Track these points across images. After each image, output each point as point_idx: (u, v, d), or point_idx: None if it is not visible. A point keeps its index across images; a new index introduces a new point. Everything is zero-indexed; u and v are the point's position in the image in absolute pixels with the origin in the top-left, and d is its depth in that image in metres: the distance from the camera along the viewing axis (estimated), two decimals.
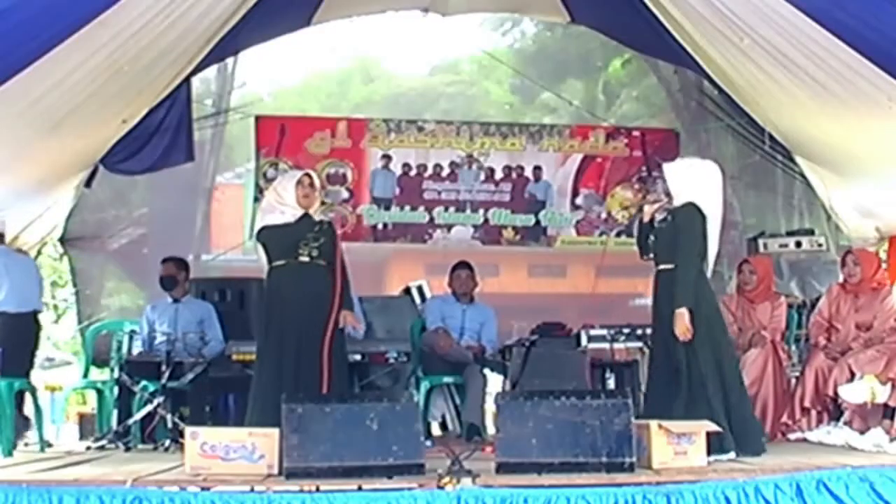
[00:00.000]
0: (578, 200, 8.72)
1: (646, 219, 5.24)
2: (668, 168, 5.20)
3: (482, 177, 8.66)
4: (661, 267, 5.09)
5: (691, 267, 4.96)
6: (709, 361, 4.88)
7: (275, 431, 4.33)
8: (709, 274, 5.11)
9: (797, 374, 6.25)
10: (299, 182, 5.49)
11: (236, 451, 4.29)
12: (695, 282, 4.94)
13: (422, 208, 8.60)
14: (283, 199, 5.47)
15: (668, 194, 5.11)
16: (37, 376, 7.24)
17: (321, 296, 5.31)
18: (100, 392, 6.67)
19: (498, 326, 7.10)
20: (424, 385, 6.44)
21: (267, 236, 5.51)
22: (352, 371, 6.08)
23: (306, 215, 5.43)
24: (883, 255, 7.47)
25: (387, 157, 8.58)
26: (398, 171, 8.60)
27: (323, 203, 6.47)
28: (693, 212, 4.99)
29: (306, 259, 5.37)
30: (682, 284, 4.91)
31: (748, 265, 6.53)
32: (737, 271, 6.62)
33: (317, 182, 5.57)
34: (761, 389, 6.10)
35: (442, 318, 6.84)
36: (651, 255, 5.19)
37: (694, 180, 5.09)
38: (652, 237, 5.18)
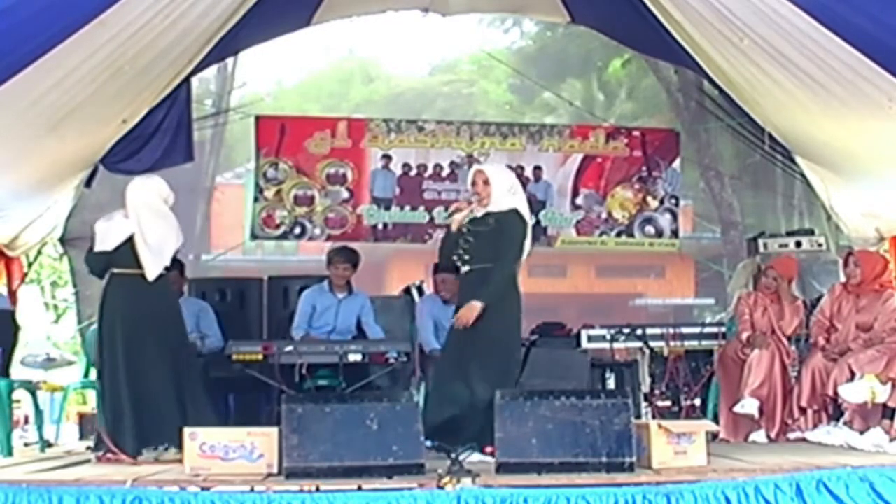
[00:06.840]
0: (579, 200, 8.70)
1: (454, 228, 5.25)
2: (489, 169, 5.31)
3: None
4: (475, 267, 5.15)
5: (508, 269, 5.12)
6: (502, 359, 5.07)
7: (273, 431, 4.34)
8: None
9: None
10: None
11: (235, 450, 4.30)
12: (507, 285, 5.09)
13: (422, 208, 8.59)
14: None
15: (469, 202, 5.22)
16: (37, 376, 7.24)
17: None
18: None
19: None
20: (424, 385, 6.42)
21: None
22: (352, 371, 6.09)
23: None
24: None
25: (387, 157, 8.57)
26: (398, 171, 8.58)
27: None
28: (518, 219, 5.15)
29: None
30: (495, 283, 5.05)
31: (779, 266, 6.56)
32: (763, 274, 6.62)
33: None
34: (770, 390, 6.10)
35: (434, 319, 6.84)
36: (459, 261, 5.22)
37: (511, 186, 5.25)
38: (464, 243, 5.19)
